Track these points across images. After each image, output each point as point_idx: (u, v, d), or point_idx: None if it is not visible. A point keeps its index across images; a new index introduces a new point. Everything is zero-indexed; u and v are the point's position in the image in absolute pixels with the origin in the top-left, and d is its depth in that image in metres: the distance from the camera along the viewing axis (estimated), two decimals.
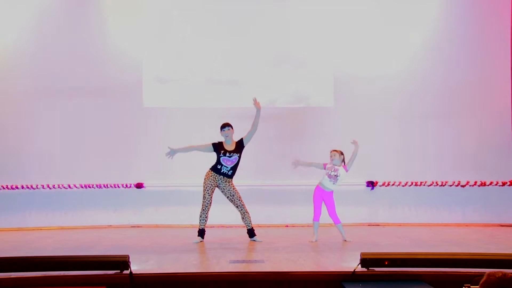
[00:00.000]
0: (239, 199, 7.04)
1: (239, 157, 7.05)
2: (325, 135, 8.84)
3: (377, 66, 9.07)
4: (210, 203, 7.04)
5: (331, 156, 7.02)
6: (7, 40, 9.09)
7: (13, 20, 9.07)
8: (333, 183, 7.00)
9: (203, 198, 7.02)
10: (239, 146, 7.07)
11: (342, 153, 7.03)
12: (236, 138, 7.11)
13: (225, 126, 7.06)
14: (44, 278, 4.62)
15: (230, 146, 7.05)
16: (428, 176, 8.97)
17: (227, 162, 7.00)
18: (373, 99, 9.06)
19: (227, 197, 7.10)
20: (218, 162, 7.03)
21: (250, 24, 9.13)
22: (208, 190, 7.01)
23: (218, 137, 7.16)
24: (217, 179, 7.05)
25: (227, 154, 7.00)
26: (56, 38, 9.06)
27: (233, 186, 7.07)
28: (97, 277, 4.64)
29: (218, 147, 7.05)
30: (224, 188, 7.06)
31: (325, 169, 7.05)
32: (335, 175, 6.98)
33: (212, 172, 7.05)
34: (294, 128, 9.12)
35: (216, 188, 7.09)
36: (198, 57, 9.12)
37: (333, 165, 7.00)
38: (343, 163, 7.01)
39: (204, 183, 7.04)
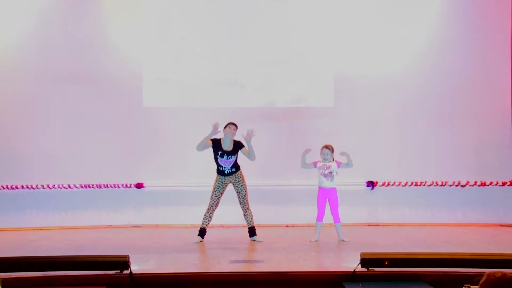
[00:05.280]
0: (244, 196, 7.07)
1: (236, 156, 7.06)
2: (325, 135, 8.82)
3: (377, 66, 9.07)
4: (217, 204, 7.07)
5: (322, 153, 7.05)
6: (7, 40, 9.08)
7: (13, 20, 9.05)
8: (331, 180, 7.03)
9: (210, 197, 7.08)
10: (237, 147, 7.06)
11: (333, 149, 7.07)
12: (237, 138, 7.09)
13: (229, 123, 7.06)
14: (44, 278, 4.63)
15: (228, 146, 7.04)
16: (428, 176, 8.97)
17: (225, 163, 7.02)
18: (373, 99, 9.05)
19: (236, 192, 7.14)
20: (218, 164, 7.05)
21: (250, 24, 9.12)
22: (215, 191, 7.06)
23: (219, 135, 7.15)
24: (227, 179, 7.08)
25: (225, 156, 7.00)
26: (56, 38, 9.05)
27: (243, 182, 7.08)
28: (97, 277, 4.64)
29: (216, 145, 7.04)
30: (235, 183, 7.10)
31: (316, 167, 7.07)
32: (330, 172, 7.01)
33: (219, 176, 7.10)
34: (294, 128, 9.12)
35: (230, 186, 7.12)
36: (198, 57, 9.12)
37: (324, 163, 7.03)
38: (333, 158, 7.08)
39: (214, 184, 7.11)
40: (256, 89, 9.15)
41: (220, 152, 7.01)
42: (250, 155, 7.03)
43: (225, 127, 7.04)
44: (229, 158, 7.02)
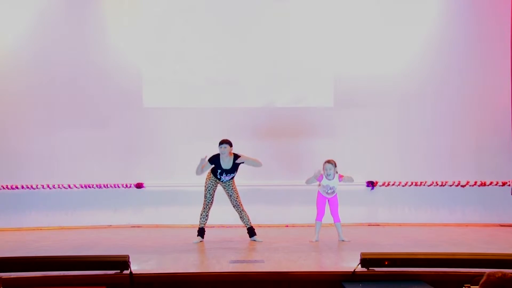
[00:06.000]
0: (236, 199, 7.05)
1: (236, 171, 7.02)
2: (325, 135, 8.84)
3: (377, 66, 9.07)
4: (211, 202, 7.07)
5: (324, 168, 6.94)
6: (7, 40, 9.09)
7: (13, 20, 9.06)
8: (332, 196, 7.01)
9: (204, 197, 7.05)
10: (236, 165, 6.96)
11: (335, 164, 6.97)
12: (239, 161, 6.93)
13: (222, 142, 6.93)
14: (44, 278, 4.62)
15: (226, 164, 6.94)
16: (428, 176, 8.97)
17: (225, 177, 7.02)
18: (373, 99, 9.05)
19: (227, 196, 7.12)
20: (217, 172, 7.02)
21: (250, 24, 9.13)
22: (209, 190, 7.04)
23: (217, 138, 7.11)
24: (218, 181, 7.07)
25: (224, 174, 6.99)
26: (56, 38, 9.05)
27: (233, 186, 7.08)
28: (97, 277, 4.64)
29: (215, 162, 6.96)
30: (225, 186, 7.08)
31: (320, 181, 7.01)
32: (332, 192, 6.99)
33: (212, 175, 7.07)
34: (294, 128, 9.11)
35: (219, 186, 7.10)
36: (198, 57, 9.12)
37: (328, 184, 6.93)
38: (336, 173, 6.96)
39: (205, 183, 7.09)
40: (256, 89, 9.14)
41: (219, 171, 6.98)
42: (254, 164, 7.04)
43: (218, 146, 6.94)
44: (228, 175, 7.01)
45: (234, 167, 6.98)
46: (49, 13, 9.07)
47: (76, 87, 9.04)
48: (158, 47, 9.15)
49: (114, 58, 9.09)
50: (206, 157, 6.92)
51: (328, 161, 6.96)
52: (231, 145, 6.95)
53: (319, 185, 7.04)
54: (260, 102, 9.17)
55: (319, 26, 9.11)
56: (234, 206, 7.10)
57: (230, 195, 7.07)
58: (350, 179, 7.08)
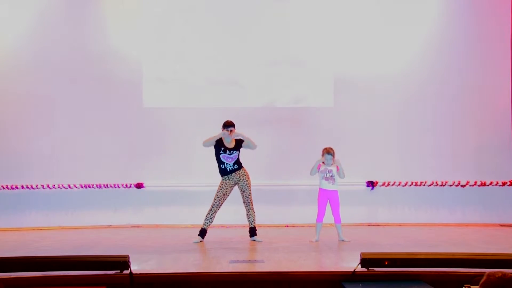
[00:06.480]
0: (248, 195, 7.04)
1: (238, 152, 7.06)
2: (325, 135, 8.83)
3: (377, 66, 9.07)
4: (219, 206, 7.03)
5: (323, 156, 7.04)
6: (7, 40, 9.09)
7: (13, 20, 9.06)
8: (332, 184, 7.03)
9: (213, 199, 7.03)
10: (238, 144, 7.07)
11: (334, 153, 7.03)
12: (236, 137, 7.07)
13: (228, 125, 7.01)
14: (44, 278, 4.63)
15: (229, 144, 7.04)
16: (428, 176, 8.97)
17: (227, 159, 7.01)
18: (373, 99, 9.06)
19: (240, 192, 7.12)
20: (220, 162, 7.02)
21: (250, 24, 9.13)
22: (219, 193, 7.02)
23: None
24: (231, 179, 7.05)
25: (227, 152, 7.00)
26: (56, 38, 9.05)
27: (247, 181, 7.04)
28: (97, 277, 4.64)
29: (217, 142, 7.03)
30: (239, 182, 7.05)
31: (318, 170, 7.06)
32: (331, 176, 7.01)
33: (223, 176, 7.07)
34: (294, 128, 9.12)
35: (236, 186, 7.10)
36: (198, 57, 9.12)
37: (326, 167, 7.02)
38: (335, 160, 7.05)
39: (218, 186, 7.08)
40: (256, 89, 9.15)
41: (222, 148, 7.00)
42: (249, 145, 7.05)
43: (223, 128, 7.02)
44: (231, 153, 7.01)
45: (237, 146, 7.03)
46: (49, 13, 9.07)
47: (76, 87, 9.04)
48: (158, 47, 9.16)
49: (114, 58, 9.08)
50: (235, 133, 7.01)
51: (327, 151, 7.04)
52: (235, 128, 7.05)
53: (320, 170, 7.09)
54: (260, 102, 9.17)
55: (319, 26, 9.11)
56: (244, 202, 7.09)
57: (244, 191, 7.05)
58: (342, 174, 7.09)
